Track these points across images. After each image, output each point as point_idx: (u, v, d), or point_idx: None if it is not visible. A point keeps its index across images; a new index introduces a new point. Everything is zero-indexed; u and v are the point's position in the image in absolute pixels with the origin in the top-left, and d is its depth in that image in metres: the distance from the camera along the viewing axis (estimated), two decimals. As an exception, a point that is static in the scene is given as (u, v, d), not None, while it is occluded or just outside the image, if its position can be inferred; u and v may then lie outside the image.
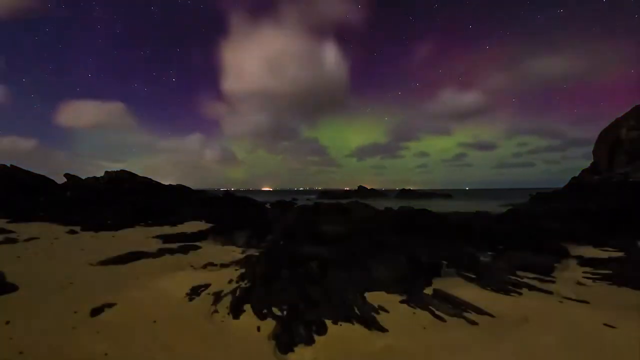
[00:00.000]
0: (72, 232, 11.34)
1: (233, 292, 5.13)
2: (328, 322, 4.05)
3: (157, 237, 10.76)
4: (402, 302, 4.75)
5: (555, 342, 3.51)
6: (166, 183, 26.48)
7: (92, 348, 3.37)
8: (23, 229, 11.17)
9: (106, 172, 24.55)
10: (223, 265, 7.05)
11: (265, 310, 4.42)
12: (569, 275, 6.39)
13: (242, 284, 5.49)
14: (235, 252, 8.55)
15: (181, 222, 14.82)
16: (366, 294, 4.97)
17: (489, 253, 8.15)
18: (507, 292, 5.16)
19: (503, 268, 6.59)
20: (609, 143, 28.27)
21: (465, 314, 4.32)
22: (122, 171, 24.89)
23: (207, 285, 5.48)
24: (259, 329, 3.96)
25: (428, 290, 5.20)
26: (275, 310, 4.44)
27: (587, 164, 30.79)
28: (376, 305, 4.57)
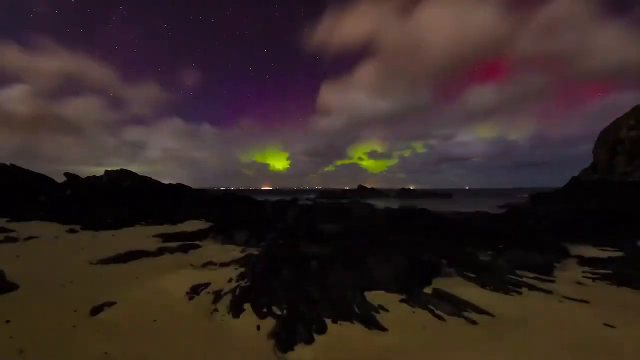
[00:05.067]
0: (73, 231, 11.34)
1: (233, 291, 5.13)
2: (328, 322, 4.05)
3: (157, 236, 10.76)
4: (402, 301, 4.75)
5: (555, 342, 3.51)
6: (166, 182, 26.52)
7: (92, 347, 3.37)
8: (23, 228, 11.17)
9: (106, 172, 24.52)
10: (223, 265, 7.05)
11: (265, 310, 4.42)
12: (569, 275, 6.38)
13: (242, 283, 5.49)
14: (235, 252, 8.55)
15: (181, 222, 14.82)
16: (366, 293, 4.97)
17: (489, 253, 8.14)
18: (507, 292, 5.15)
19: (503, 268, 6.58)
20: (609, 143, 28.27)
21: (465, 314, 4.32)
22: (123, 170, 24.88)
23: (207, 285, 5.48)
24: (259, 328, 3.96)
25: (428, 290, 5.20)
26: (275, 309, 4.44)
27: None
28: (376, 305, 4.57)
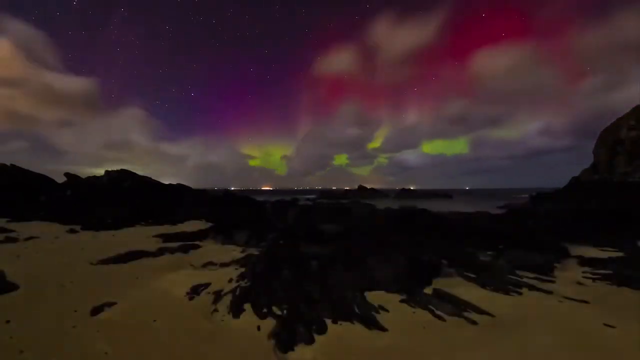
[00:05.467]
0: (72, 231, 11.34)
1: (233, 291, 5.13)
2: (328, 322, 4.05)
3: (158, 236, 10.76)
4: (402, 301, 4.75)
5: (555, 342, 3.51)
6: (166, 182, 26.51)
7: (92, 347, 3.37)
8: (23, 228, 11.18)
9: (106, 172, 24.51)
10: (223, 265, 7.05)
11: (265, 310, 4.42)
12: (569, 275, 6.38)
13: (242, 283, 5.49)
14: (235, 252, 8.55)
15: (181, 222, 14.82)
16: (366, 293, 4.98)
17: (489, 253, 8.14)
18: (507, 292, 5.16)
19: (503, 268, 6.58)
20: (609, 143, 28.26)
21: (465, 314, 4.32)
22: (123, 170, 24.87)
23: (207, 285, 5.48)
24: (259, 328, 3.96)
25: (428, 290, 5.20)
26: (275, 309, 4.44)
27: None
28: (376, 305, 4.57)
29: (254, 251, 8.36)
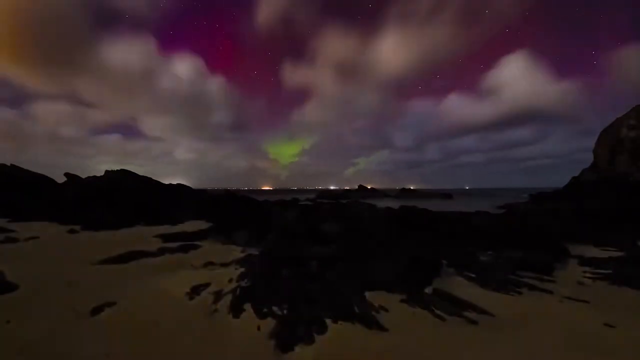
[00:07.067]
0: (73, 231, 11.34)
1: (233, 291, 5.13)
2: (328, 321, 4.05)
3: (158, 236, 10.75)
4: (402, 301, 4.75)
5: (555, 342, 3.51)
6: (166, 182, 26.48)
7: (92, 347, 3.37)
8: (23, 228, 11.17)
9: (106, 172, 24.50)
10: (223, 265, 7.05)
11: (265, 309, 4.42)
12: (569, 275, 6.38)
13: (242, 283, 5.49)
14: (235, 252, 8.55)
15: (181, 222, 14.81)
16: (366, 293, 4.98)
17: (489, 252, 8.14)
18: (507, 292, 5.16)
19: (503, 267, 6.58)
20: (609, 142, 28.28)
21: (465, 314, 4.32)
22: (123, 170, 24.86)
23: (207, 285, 5.47)
24: (259, 328, 3.96)
25: (428, 290, 5.20)
26: (275, 309, 4.44)
27: (587, 163, 30.74)
28: (376, 305, 4.57)
29: (254, 251, 8.35)
